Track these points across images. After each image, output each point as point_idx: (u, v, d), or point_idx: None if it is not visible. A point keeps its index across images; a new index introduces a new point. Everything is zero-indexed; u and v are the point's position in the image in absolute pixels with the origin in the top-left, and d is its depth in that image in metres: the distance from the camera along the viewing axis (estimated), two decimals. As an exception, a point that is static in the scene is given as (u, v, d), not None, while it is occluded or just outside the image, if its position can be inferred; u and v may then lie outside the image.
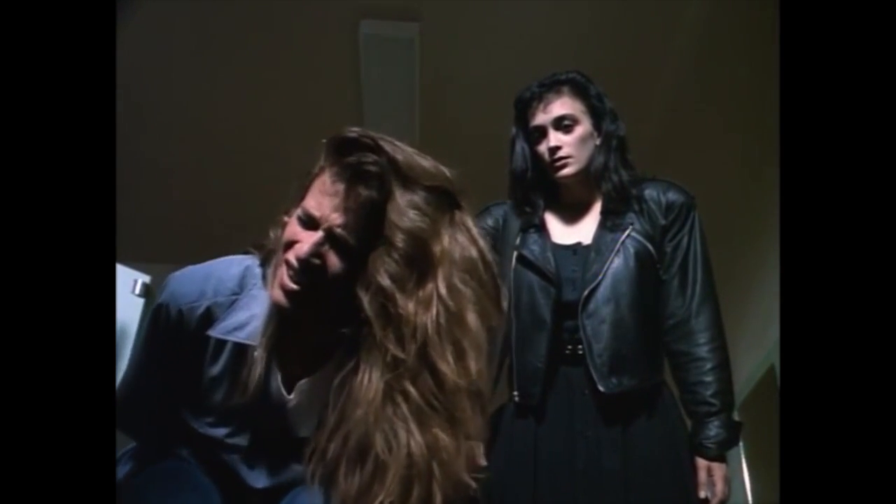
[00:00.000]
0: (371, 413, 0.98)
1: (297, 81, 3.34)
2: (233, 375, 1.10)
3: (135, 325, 2.43)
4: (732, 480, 1.65)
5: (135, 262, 2.64)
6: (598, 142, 1.73)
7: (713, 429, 1.58)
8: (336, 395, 1.03)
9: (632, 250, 1.65)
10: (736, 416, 1.66)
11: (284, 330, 1.09)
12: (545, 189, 1.77)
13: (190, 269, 1.15)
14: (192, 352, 1.11)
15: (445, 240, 1.03)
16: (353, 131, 1.05)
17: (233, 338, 1.10)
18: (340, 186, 1.01)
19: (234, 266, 1.14)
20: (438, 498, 0.97)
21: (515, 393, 1.65)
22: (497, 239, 1.73)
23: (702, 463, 1.58)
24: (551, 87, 1.73)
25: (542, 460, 1.58)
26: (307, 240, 1.02)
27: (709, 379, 1.60)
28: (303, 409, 1.12)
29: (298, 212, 1.05)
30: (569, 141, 1.70)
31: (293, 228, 1.05)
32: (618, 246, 1.65)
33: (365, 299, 1.00)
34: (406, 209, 1.01)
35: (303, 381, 1.12)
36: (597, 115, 1.74)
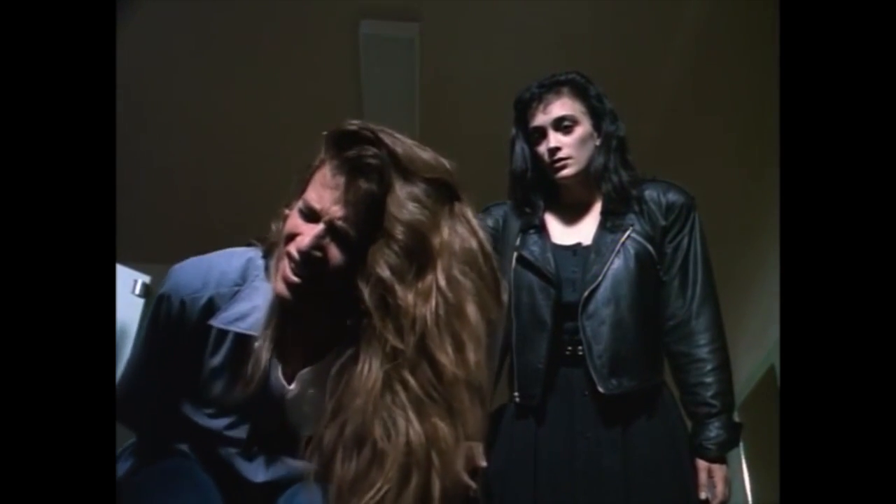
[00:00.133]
0: (370, 402, 0.99)
1: (298, 81, 3.34)
2: (233, 366, 1.10)
3: (135, 325, 2.43)
4: (732, 481, 1.65)
5: (135, 262, 2.65)
6: (597, 142, 1.73)
7: (713, 430, 1.58)
8: (334, 384, 1.04)
9: (632, 251, 1.65)
10: (736, 417, 1.66)
11: (286, 322, 1.10)
12: (545, 190, 1.77)
13: (192, 260, 1.16)
14: (193, 342, 1.12)
15: (445, 231, 1.04)
16: (353, 124, 1.06)
17: (234, 328, 1.10)
18: (341, 179, 1.02)
19: (236, 258, 1.15)
20: (436, 487, 0.97)
21: (516, 393, 1.65)
22: (497, 239, 1.73)
23: (702, 464, 1.58)
24: (551, 87, 1.73)
25: (542, 461, 1.58)
26: (308, 232, 1.03)
27: (709, 380, 1.60)
28: (302, 401, 1.12)
29: (299, 204, 1.06)
30: (568, 142, 1.70)
31: (294, 221, 1.06)
32: (618, 247, 1.65)
33: (365, 291, 1.01)
34: (406, 201, 1.02)
35: (303, 372, 1.12)
36: (596, 115, 1.74)
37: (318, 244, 1.02)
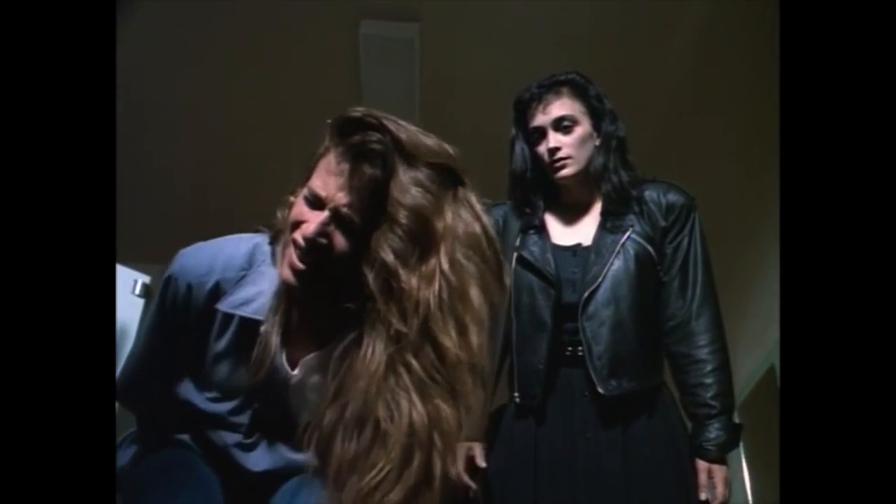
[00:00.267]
0: (373, 385, 0.99)
1: (297, 81, 3.34)
2: (238, 351, 1.12)
3: (135, 325, 2.43)
4: (732, 481, 1.65)
5: (135, 262, 2.64)
6: (597, 142, 1.73)
7: (713, 431, 1.58)
8: (336, 367, 1.05)
9: (632, 252, 1.65)
10: (736, 417, 1.66)
11: (292, 308, 1.11)
12: (545, 190, 1.77)
13: (199, 244, 1.17)
14: (198, 326, 1.13)
15: (448, 216, 1.04)
16: (357, 111, 1.07)
17: (240, 312, 1.11)
18: (345, 166, 1.02)
19: (243, 243, 1.16)
20: (438, 467, 0.99)
21: (516, 394, 1.65)
22: (497, 240, 1.73)
23: (702, 465, 1.58)
24: (550, 87, 1.73)
25: (542, 461, 1.58)
26: (313, 220, 1.03)
27: (709, 381, 1.60)
28: (305, 387, 1.13)
29: (304, 192, 1.06)
30: (568, 142, 1.70)
31: (300, 208, 1.06)
32: (618, 248, 1.65)
33: (369, 275, 1.01)
34: (409, 186, 1.02)
35: (307, 358, 1.13)
36: (596, 115, 1.74)
37: (323, 231, 1.03)
